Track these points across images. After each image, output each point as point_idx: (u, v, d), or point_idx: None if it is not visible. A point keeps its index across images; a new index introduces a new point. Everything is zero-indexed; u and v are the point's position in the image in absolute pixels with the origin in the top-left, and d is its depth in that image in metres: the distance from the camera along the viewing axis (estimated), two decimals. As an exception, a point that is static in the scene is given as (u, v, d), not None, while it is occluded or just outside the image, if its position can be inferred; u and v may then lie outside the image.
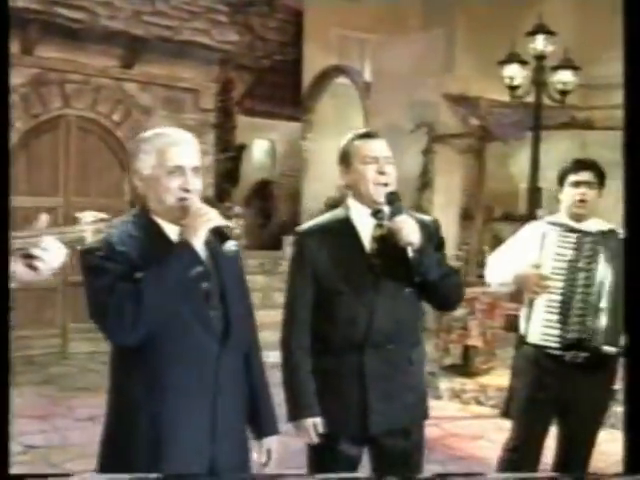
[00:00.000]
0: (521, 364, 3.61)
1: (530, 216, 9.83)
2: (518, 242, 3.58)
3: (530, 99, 7.80)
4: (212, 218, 1.98)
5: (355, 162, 2.62)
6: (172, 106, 7.60)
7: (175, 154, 2.05)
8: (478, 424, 5.98)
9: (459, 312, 6.66)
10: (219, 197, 8.46)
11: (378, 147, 2.63)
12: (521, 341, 3.55)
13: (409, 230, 2.49)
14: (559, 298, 3.25)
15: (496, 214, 10.08)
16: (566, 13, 8.64)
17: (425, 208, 9.30)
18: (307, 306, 2.58)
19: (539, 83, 5.77)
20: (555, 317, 3.26)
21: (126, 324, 1.87)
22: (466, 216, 9.41)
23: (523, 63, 5.77)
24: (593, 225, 3.37)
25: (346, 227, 2.63)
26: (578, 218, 3.36)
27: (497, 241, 9.55)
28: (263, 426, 2.29)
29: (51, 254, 1.61)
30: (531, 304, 3.35)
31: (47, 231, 1.67)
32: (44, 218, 1.77)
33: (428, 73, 9.15)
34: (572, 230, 3.31)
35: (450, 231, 8.61)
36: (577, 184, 3.34)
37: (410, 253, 2.51)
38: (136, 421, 2.00)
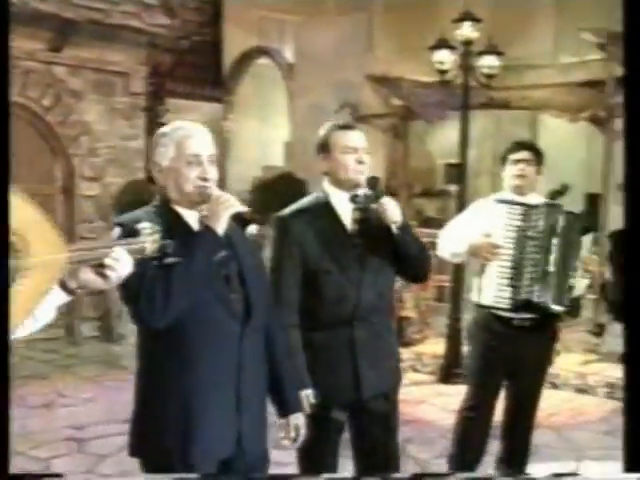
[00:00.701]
0: (473, 329, 3.94)
1: (444, 191, 10.37)
2: (468, 217, 3.94)
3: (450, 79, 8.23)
4: (233, 204, 2.13)
5: (335, 151, 2.86)
6: (102, 90, 7.55)
7: (192, 145, 2.20)
8: (418, 390, 6.35)
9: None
10: (149, 180, 8.46)
11: (357, 138, 2.88)
12: (474, 307, 3.91)
13: (393, 210, 2.78)
14: (510, 264, 3.60)
15: (416, 190, 10.48)
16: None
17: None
18: (296, 285, 2.76)
19: (466, 67, 6.14)
20: (507, 281, 3.59)
21: (157, 308, 1.99)
22: (390, 193, 9.73)
23: (451, 48, 6.13)
24: (534, 199, 3.76)
25: (327, 210, 2.86)
26: (520, 191, 3.71)
27: (420, 216, 9.98)
28: (290, 403, 2.44)
29: (121, 264, 1.75)
30: (483, 271, 3.69)
31: (115, 242, 1.82)
32: (117, 231, 1.95)
33: (350, 55, 9.39)
34: (518, 203, 3.69)
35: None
36: (517, 162, 3.72)
37: (395, 231, 2.80)
38: (167, 400, 2.12)
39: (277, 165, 10.42)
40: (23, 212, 1.59)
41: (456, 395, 5.75)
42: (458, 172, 6.80)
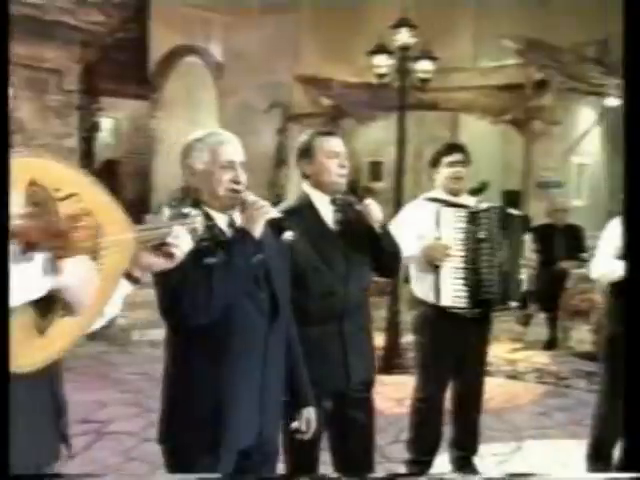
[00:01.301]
0: (423, 323, 4.10)
1: (369, 189, 10.71)
2: (412, 220, 3.96)
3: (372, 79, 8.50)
4: (269, 210, 2.27)
5: (319, 156, 3.04)
6: (35, 87, 7.41)
7: (227, 151, 2.32)
8: (361, 381, 6.59)
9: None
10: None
11: (339, 143, 3.07)
12: (424, 305, 4.08)
13: (376, 210, 3.00)
14: (464, 265, 3.78)
15: (342, 188, 10.73)
16: None
17: (282, 184, 9.78)
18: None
19: (403, 71, 6.42)
20: (463, 282, 3.78)
21: (200, 307, 2.11)
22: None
23: (389, 53, 6.39)
24: (465, 200, 3.96)
25: (311, 211, 3.04)
26: (455, 193, 3.90)
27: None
28: (302, 397, 2.58)
29: (183, 241, 1.83)
30: (437, 273, 3.81)
31: (171, 222, 1.87)
32: (167, 212, 2.01)
33: (279, 55, 9.56)
34: (460, 205, 3.90)
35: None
36: (452, 164, 3.88)
37: (378, 230, 3.02)
38: (199, 390, 2.23)
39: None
40: (93, 194, 1.61)
41: (397, 384, 6.06)
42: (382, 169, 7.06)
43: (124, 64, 10.86)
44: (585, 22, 9.47)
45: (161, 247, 1.80)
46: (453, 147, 4.04)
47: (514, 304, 3.92)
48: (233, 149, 2.35)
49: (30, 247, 1.43)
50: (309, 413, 2.60)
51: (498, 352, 6.89)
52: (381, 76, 6.47)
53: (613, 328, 4.12)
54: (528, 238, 4.07)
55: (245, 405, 2.27)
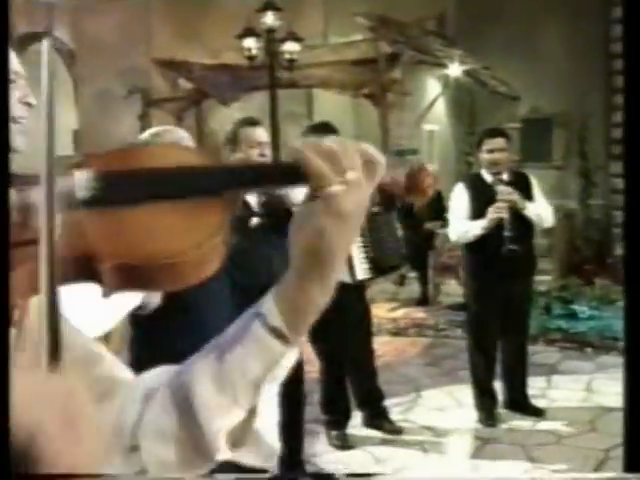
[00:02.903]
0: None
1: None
2: None
3: (232, 60, 8.66)
4: None
5: (243, 145, 3.28)
6: None
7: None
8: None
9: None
10: None
11: (262, 133, 3.32)
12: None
13: (297, 194, 3.27)
14: (365, 241, 4.18)
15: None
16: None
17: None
18: None
19: (271, 53, 6.63)
20: (367, 258, 4.17)
21: None
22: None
23: (257, 36, 6.57)
24: None
25: None
26: None
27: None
28: None
29: None
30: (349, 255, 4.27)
31: None
32: None
33: (134, 40, 9.46)
34: None
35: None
36: None
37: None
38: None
39: (67, 154, 10.18)
40: None
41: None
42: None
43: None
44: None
45: None
46: (320, 127, 4.21)
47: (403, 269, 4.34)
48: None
49: None
50: None
51: (378, 312, 7.36)
52: (251, 58, 6.66)
53: (470, 282, 4.75)
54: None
55: None
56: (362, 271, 4.17)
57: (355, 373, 4.56)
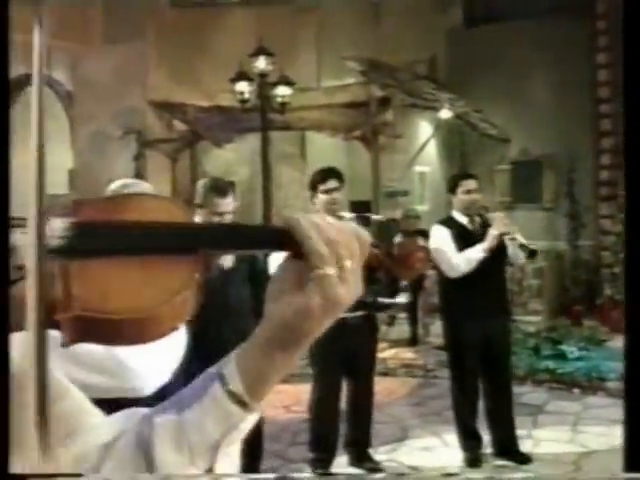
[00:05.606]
0: None
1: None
2: None
3: (226, 103, 8.81)
4: None
5: (207, 211, 3.48)
6: None
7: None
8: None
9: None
10: None
11: (229, 203, 3.53)
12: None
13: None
14: (365, 274, 4.25)
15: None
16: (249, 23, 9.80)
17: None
18: None
19: (263, 97, 6.78)
20: None
21: None
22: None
23: (250, 80, 6.72)
24: (344, 215, 4.41)
25: None
26: (333, 214, 4.18)
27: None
28: None
29: None
30: None
31: None
32: None
33: (129, 82, 9.62)
34: None
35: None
36: (327, 191, 4.17)
37: None
38: None
39: (62, 193, 10.30)
40: None
41: (281, 393, 6.38)
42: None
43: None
44: (414, 42, 10.31)
45: None
46: (328, 173, 4.28)
47: (388, 301, 4.35)
48: None
49: None
50: None
51: (369, 353, 7.38)
52: (244, 101, 6.80)
53: (446, 321, 4.80)
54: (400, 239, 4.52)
55: None
56: None
57: (349, 413, 4.55)
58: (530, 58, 10.75)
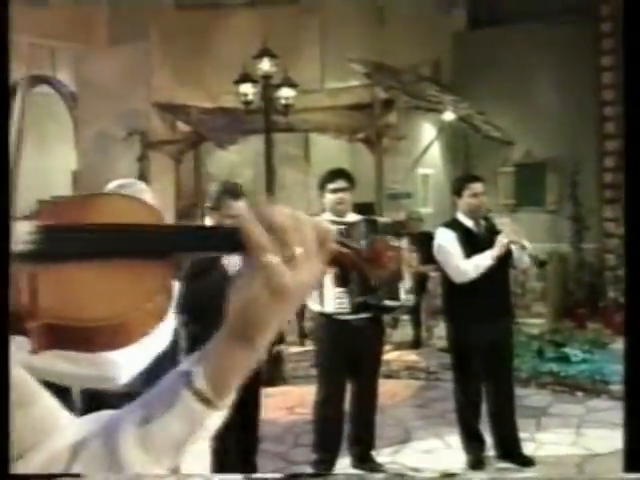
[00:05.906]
0: (318, 333, 4.53)
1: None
2: None
3: (229, 104, 8.81)
4: None
5: (221, 214, 3.53)
6: None
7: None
8: (249, 395, 6.86)
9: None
10: None
11: (242, 206, 3.53)
12: (315, 314, 4.47)
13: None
14: (339, 273, 4.17)
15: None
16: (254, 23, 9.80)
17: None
18: None
19: (267, 99, 6.78)
20: (342, 289, 4.18)
21: None
22: (181, 216, 10.12)
23: (254, 82, 6.73)
24: (351, 217, 4.44)
25: None
26: (340, 214, 4.32)
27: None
28: None
29: None
30: (320, 283, 4.26)
31: None
32: None
33: (133, 83, 9.63)
34: (337, 223, 4.31)
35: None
36: (335, 191, 4.26)
37: None
38: None
39: (65, 194, 10.32)
40: None
41: (283, 394, 6.38)
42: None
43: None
44: (418, 44, 10.31)
45: None
46: (336, 174, 4.35)
47: (392, 304, 4.32)
48: None
49: None
50: None
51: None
52: (247, 103, 6.81)
53: (450, 324, 4.78)
54: (405, 242, 4.47)
55: None
56: (334, 305, 4.18)
57: (353, 414, 4.55)
58: (534, 60, 10.75)
